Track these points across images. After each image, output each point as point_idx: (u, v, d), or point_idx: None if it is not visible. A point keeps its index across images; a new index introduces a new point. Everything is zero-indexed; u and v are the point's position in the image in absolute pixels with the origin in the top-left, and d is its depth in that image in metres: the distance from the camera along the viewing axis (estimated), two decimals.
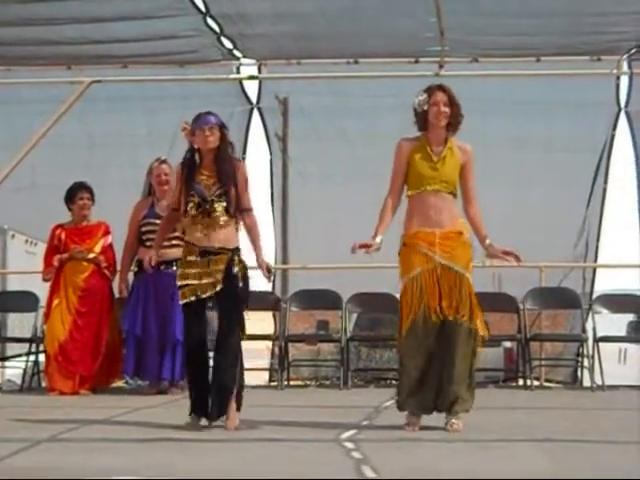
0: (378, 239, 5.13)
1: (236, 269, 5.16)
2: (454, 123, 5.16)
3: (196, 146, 5.27)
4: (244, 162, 5.44)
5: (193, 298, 5.15)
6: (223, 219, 5.18)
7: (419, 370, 5.05)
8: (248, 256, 5.33)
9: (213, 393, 5.17)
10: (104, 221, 7.57)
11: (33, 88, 9.16)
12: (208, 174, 5.24)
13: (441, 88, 5.16)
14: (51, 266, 7.38)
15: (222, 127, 5.27)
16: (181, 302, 5.21)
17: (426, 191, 5.10)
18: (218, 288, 5.15)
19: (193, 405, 5.21)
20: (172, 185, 7.24)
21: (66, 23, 8.09)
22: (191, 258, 5.19)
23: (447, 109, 5.10)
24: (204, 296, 5.17)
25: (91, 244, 7.42)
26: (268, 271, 5.33)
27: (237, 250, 5.23)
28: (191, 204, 5.19)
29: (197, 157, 5.27)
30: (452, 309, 5.04)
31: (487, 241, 5.23)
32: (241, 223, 5.31)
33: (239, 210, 5.27)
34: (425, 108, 5.12)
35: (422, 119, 5.17)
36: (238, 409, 5.18)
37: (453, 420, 5.03)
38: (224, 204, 5.19)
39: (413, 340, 5.04)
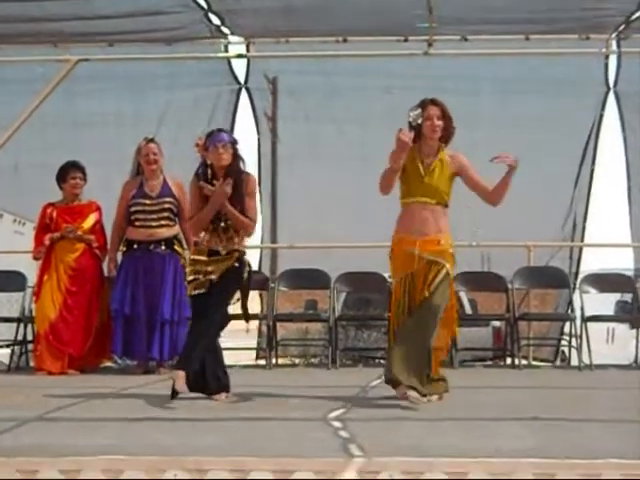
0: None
1: (240, 263, 5.45)
2: (446, 135, 5.39)
3: (209, 162, 5.46)
4: (253, 177, 5.72)
5: (202, 290, 5.41)
6: (234, 229, 5.47)
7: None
8: None
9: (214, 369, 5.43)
10: (95, 200, 7.54)
11: (18, 67, 9.08)
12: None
13: (434, 102, 5.38)
14: (42, 245, 7.35)
15: (234, 144, 5.51)
16: (188, 295, 5.56)
17: (413, 203, 5.33)
18: (218, 274, 5.40)
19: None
20: (161, 165, 7.24)
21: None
22: (200, 257, 5.48)
23: (440, 122, 5.34)
24: (204, 290, 5.41)
25: (82, 223, 7.39)
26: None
27: (244, 253, 5.54)
28: None
29: (209, 172, 5.48)
30: (425, 290, 5.22)
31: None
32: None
33: None
34: (419, 122, 5.31)
35: (416, 132, 5.31)
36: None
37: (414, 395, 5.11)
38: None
39: (401, 334, 5.24)
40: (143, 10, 8.28)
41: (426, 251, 5.25)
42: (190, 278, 5.49)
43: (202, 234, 5.55)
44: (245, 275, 5.48)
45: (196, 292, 5.45)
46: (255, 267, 8.93)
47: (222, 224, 5.46)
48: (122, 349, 7.23)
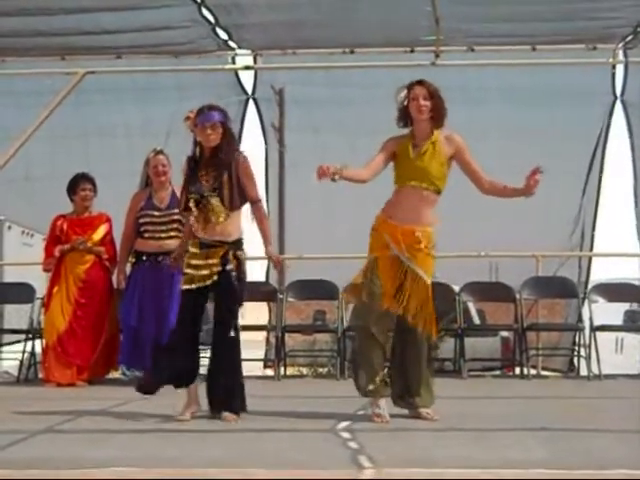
0: (339, 165, 4.90)
1: (230, 266, 5.20)
2: (437, 117, 5.18)
3: (198, 139, 5.28)
4: (244, 154, 5.35)
5: (192, 286, 5.21)
6: (220, 213, 5.19)
7: (381, 353, 5.14)
8: (250, 245, 5.41)
9: (220, 391, 5.19)
10: (105, 212, 7.56)
11: (27, 79, 9.12)
12: (208, 169, 5.26)
13: (420, 83, 5.20)
14: (52, 256, 7.36)
15: (224, 123, 5.26)
16: (182, 288, 5.28)
17: (405, 186, 5.14)
18: (214, 278, 5.20)
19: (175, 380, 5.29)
20: (170, 177, 7.25)
21: (60, 13, 8.06)
22: (193, 250, 5.27)
23: (427, 102, 5.14)
24: (200, 285, 5.20)
25: (92, 235, 7.41)
26: (278, 263, 5.48)
27: (236, 243, 5.25)
28: (191, 201, 5.25)
29: (198, 151, 5.29)
30: (409, 312, 5.09)
31: (511, 186, 5.20)
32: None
33: (248, 202, 5.29)
34: (406, 104, 5.19)
35: (405, 115, 5.23)
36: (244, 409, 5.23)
37: (426, 411, 5.08)
38: (217, 198, 5.20)
39: (370, 317, 5.12)
40: (151, 25, 8.32)
41: (408, 250, 5.07)
42: (184, 271, 5.27)
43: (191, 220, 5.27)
44: (235, 282, 5.18)
45: (185, 287, 5.21)
46: (263, 278, 8.96)
47: (206, 210, 5.18)
48: (129, 360, 7.23)
